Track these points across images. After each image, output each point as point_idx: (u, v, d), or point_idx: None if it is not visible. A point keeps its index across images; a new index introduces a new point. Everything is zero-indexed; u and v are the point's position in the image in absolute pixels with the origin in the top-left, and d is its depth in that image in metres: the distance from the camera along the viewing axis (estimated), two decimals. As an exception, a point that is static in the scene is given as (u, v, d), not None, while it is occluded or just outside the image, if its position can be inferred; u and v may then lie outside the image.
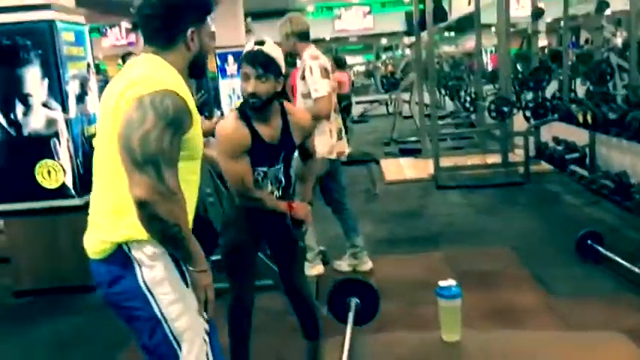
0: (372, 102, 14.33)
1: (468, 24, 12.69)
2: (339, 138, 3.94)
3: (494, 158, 7.58)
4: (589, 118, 5.33)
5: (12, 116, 3.99)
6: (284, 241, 2.67)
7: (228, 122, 2.43)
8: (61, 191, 4.07)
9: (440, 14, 7.29)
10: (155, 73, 1.57)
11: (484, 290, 3.65)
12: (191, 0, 1.63)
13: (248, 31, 13.94)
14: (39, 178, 4.05)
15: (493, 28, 16.11)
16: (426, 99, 9.02)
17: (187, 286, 1.64)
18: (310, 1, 18.57)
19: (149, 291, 1.60)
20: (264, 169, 2.47)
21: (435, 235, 4.93)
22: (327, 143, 3.78)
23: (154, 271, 1.60)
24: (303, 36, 3.89)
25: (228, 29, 12.78)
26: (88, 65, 4.36)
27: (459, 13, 11.62)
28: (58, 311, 3.94)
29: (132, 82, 1.55)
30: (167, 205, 1.48)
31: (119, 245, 1.60)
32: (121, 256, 1.60)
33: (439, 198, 6.26)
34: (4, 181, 4.12)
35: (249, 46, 2.40)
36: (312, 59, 3.74)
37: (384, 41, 20.78)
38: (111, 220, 1.61)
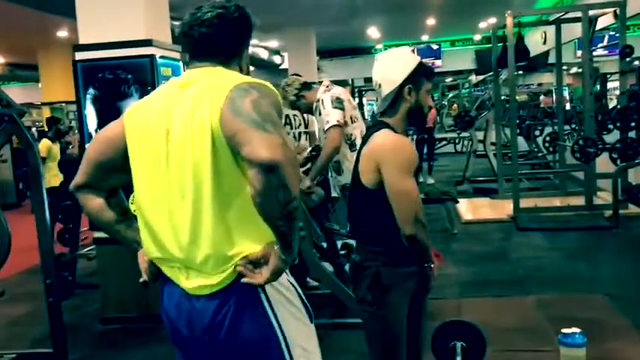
0: (441, 140, 14.15)
1: (539, 63, 12.52)
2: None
3: (577, 200, 7.29)
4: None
5: (110, 147, 4.12)
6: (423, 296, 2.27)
7: (400, 137, 2.13)
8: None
9: (522, 52, 7.16)
10: (237, 74, 1.54)
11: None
12: (250, 21, 1.63)
13: (319, 68, 14.21)
14: (132, 207, 4.14)
15: (565, 67, 15.80)
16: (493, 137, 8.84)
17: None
18: (379, 39, 18.74)
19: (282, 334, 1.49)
20: None
21: (524, 279, 4.74)
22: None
23: (288, 306, 1.52)
24: (305, 87, 4.04)
25: (300, 65, 13.04)
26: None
27: (532, 52, 11.45)
28: (145, 340, 3.98)
29: (220, 85, 1.43)
30: (293, 170, 1.30)
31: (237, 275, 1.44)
32: (241, 289, 1.44)
33: (521, 240, 6.04)
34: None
35: (415, 56, 2.24)
36: (323, 93, 3.87)
37: (449, 79, 20.66)
38: (228, 238, 1.43)
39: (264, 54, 17.65)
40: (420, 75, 2.15)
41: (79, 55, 4.16)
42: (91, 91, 4.11)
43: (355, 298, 2.20)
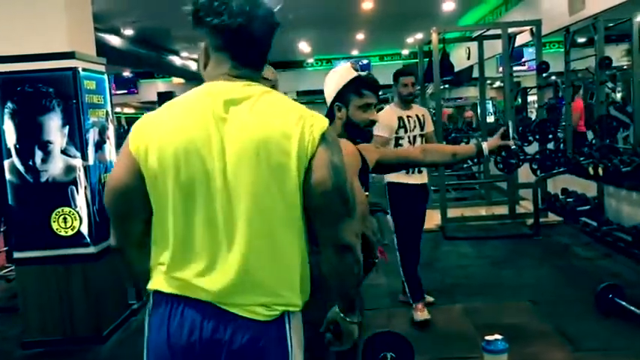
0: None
1: (464, 77, 12.99)
2: None
3: (501, 209, 7.58)
4: (600, 170, 5.37)
5: (30, 163, 3.96)
6: None
7: (346, 143, 2.14)
8: (76, 239, 4.00)
9: (447, 67, 7.41)
10: (301, 105, 1.44)
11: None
12: None
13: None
14: (54, 226, 3.99)
15: (489, 81, 16.45)
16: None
17: None
18: (310, 53, 18.91)
19: None
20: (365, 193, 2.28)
21: (452, 288, 4.87)
22: None
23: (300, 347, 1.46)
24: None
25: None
26: (107, 113, 4.38)
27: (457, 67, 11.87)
28: (69, 363, 3.82)
29: (300, 122, 1.36)
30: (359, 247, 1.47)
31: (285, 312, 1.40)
32: (283, 325, 1.41)
33: (449, 249, 6.22)
34: (19, 228, 4.07)
35: (350, 72, 2.23)
36: None
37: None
38: (288, 279, 1.40)
39: (194, 66, 17.46)
40: (349, 92, 2.19)
41: (-4, 68, 3.98)
42: (9, 105, 3.94)
43: None
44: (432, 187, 8.45)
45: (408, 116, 4.20)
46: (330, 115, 2.24)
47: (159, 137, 1.37)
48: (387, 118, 4.11)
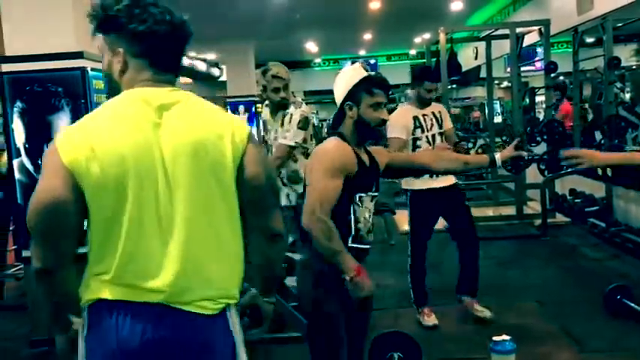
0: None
1: (471, 77, 12.96)
2: None
3: (508, 210, 7.56)
4: (609, 171, 5.34)
5: (39, 162, 3.97)
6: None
7: (336, 143, 2.23)
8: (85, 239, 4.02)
9: (454, 67, 7.39)
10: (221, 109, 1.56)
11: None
12: None
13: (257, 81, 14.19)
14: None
15: (496, 81, 16.39)
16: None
17: None
18: (318, 53, 18.92)
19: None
20: (363, 194, 2.25)
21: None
22: None
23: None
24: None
25: (239, 79, 13.00)
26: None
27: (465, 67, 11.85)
28: (77, 362, 3.84)
29: (230, 124, 1.49)
30: None
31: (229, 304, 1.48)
32: (227, 317, 1.49)
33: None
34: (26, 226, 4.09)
35: (360, 71, 2.25)
36: (294, 108, 3.94)
37: (387, 93, 21.20)
38: (231, 272, 1.49)
39: (202, 66, 17.50)
40: (360, 91, 2.22)
41: (6, 67, 4.01)
42: (18, 104, 3.96)
43: (300, 295, 2.31)
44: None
45: (424, 115, 3.99)
46: (340, 114, 2.26)
47: (99, 146, 1.37)
48: (401, 118, 3.96)
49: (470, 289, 4.18)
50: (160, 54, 1.46)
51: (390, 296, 4.66)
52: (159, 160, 1.40)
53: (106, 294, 1.40)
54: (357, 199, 2.20)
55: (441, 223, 6.98)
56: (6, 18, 4.10)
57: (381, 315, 4.05)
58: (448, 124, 4.14)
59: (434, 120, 4.01)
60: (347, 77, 2.25)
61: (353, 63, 2.47)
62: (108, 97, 1.51)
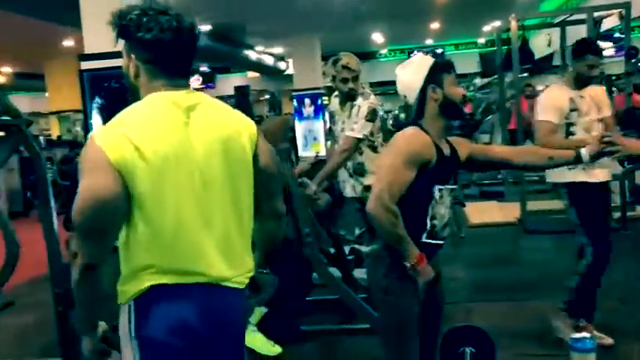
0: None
1: (544, 65, 12.49)
2: None
3: (585, 203, 7.24)
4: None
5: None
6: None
7: (414, 132, 2.17)
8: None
9: (526, 55, 7.15)
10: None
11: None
12: None
13: (323, 73, 14.22)
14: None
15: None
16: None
17: None
18: (384, 44, 18.76)
19: None
20: (441, 186, 2.18)
21: (533, 283, 4.71)
22: None
23: None
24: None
25: (305, 72, 13.07)
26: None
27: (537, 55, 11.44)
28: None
29: (244, 121, 1.66)
30: None
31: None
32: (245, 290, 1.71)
33: (529, 243, 6.02)
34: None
35: (428, 57, 2.24)
36: (362, 99, 3.89)
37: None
38: (249, 251, 1.68)
39: (269, 60, 17.72)
40: (439, 72, 2.19)
41: (85, 65, 4.18)
42: (97, 100, 4.14)
43: (370, 285, 2.27)
44: (511, 179, 8.26)
45: (581, 96, 3.40)
46: (420, 103, 2.20)
47: (142, 145, 1.46)
48: (555, 98, 3.42)
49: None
50: (167, 60, 1.56)
51: (461, 289, 4.58)
52: (193, 156, 1.52)
53: (157, 281, 1.50)
54: (437, 192, 2.14)
55: (512, 216, 6.82)
56: (85, 18, 4.27)
57: (452, 309, 3.97)
58: (608, 110, 3.51)
59: (592, 104, 3.41)
60: (419, 64, 2.21)
61: (423, 53, 2.42)
62: (130, 97, 1.64)
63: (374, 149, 3.93)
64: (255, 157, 1.64)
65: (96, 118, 4.15)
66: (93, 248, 1.50)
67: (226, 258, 1.58)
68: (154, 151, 1.46)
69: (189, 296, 1.52)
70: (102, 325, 1.65)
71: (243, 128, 1.62)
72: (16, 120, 3.52)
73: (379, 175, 2.14)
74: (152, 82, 1.57)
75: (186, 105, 1.54)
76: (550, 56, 11.47)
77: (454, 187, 2.22)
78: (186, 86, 1.60)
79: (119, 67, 4.38)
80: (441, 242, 2.21)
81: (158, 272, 1.50)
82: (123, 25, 1.54)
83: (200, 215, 1.53)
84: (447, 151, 2.20)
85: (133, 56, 1.58)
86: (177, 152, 1.50)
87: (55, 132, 18.00)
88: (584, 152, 2.24)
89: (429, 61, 2.21)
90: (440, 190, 2.15)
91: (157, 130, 1.49)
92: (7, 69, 18.33)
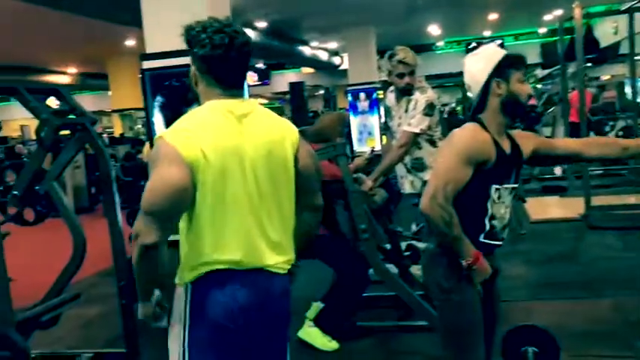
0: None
1: (609, 54, 11.99)
2: None
3: (655, 198, 6.94)
4: None
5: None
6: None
7: (473, 129, 2.12)
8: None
9: (591, 44, 6.88)
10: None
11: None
12: None
13: (379, 68, 14.11)
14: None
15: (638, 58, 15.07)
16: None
17: None
18: (440, 36, 18.47)
19: None
20: (499, 186, 2.12)
21: (597, 281, 4.54)
22: None
23: None
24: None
25: (360, 66, 13.00)
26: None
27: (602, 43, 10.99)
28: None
29: (288, 128, 1.89)
30: None
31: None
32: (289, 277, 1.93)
33: (593, 240, 5.80)
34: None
35: (499, 49, 2.17)
36: (420, 94, 3.84)
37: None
38: (290, 242, 1.90)
39: (324, 55, 17.74)
40: (507, 66, 2.11)
41: (146, 64, 4.28)
42: (158, 98, 4.24)
43: (428, 285, 2.23)
44: (574, 174, 7.98)
45: None
46: (483, 96, 2.12)
47: (206, 147, 1.70)
48: None
49: None
50: (220, 73, 1.77)
51: (521, 287, 4.46)
52: (245, 158, 1.76)
53: (213, 267, 1.74)
54: (494, 191, 2.08)
55: (575, 211, 6.59)
56: (147, 18, 4.37)
57: (511, 307, 3.89)
58: None
59: None
60: (489, 55, 2.13)
61: (478, 45, 2.34)
62: (191, 96, 1.86)
63: (433, 143, 3.88)
64: (296, 159, 1.87)
65: (157, 117, 4.25)
66: (160, 229, 1.66)
67: (272, 247, 1.81)
68: (214, 153, 1.69)
69: (240, 282, 1.76)
70: (156, 293, 1.81)
71: (287, 134, 1.85)
72: (82, 118, 3.65)
73: (434, 174, 2.10)
74: (209, 90, 1.79)
75: (240, 113, 1.77)
76: (616, 44, 11.02)
77: (515, 185, 2.14)
78: (240, 95, 1.81)
79: (179, 66, 4.49)
80: (500, 243, 2.15)
81: (214, 260, 1.73)
82: (187, 40, 1.78)
83: (252, 210, 1.76)
84: (507, 148, 2.13)
85: (193, 67, 1.81)
86: (232, 153, 1.72)
87: (117, 130, 18.61)
88: None
89: (499, 53, 2.13)
90: (497, 189, 2.08)
91: (216, 134, 1.72)
92: (73, 69, 19.05)
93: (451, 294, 2.09)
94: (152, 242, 1.66)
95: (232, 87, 1.79)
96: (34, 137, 4.45)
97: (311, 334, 3.67)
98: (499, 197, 2.08)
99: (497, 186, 2.08)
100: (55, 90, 3.83)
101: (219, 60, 1.73)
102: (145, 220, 1.67)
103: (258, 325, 1.80)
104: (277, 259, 1.83)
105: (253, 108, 1.82)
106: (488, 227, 2.08)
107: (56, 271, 3.62)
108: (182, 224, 1.77)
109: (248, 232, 1.76)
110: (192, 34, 1.76)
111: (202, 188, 1.70)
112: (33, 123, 3.54)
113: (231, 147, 1.73)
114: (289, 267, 1.89)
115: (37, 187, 3.59)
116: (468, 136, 2.07)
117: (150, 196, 1.68)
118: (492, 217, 2.09)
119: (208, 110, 1.77)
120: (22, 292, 3.65)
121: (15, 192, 3.60)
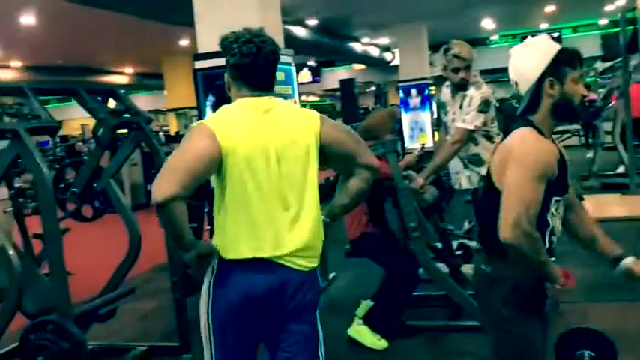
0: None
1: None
2: None
3: None
4: None
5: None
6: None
7: (536, 138, 1.88)
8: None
9: (654, 36, 6.60)
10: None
11: None
12: None
13: (430, 63, 13.94)
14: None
15: None
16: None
17: None
18: (494, 30, 18.08)
19: None
20: (559, 197, 1.92)
21: (660, 283, 4.35)
22: None
23: None
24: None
25: (411, 62, 12.88)
26: (295, 102, 4.58)
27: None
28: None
29: (310, 115, 2.01)
30: None
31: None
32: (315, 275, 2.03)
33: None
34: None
35: (553, 44, 1.92)
36: (475, 90, 3.77)
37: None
38: (318, 235, 1.99)
39: (375, 52, 17.65)
40: (562, 64, 1.88)
41: (199, 64, 4.36)
42: (210, 97, 4.31)
43: (484, 313, 2.07)
44: (637, 170, 7.66)
45: None
46: (535, 96, 1.91)
47: (238, 137, 1.87)
48: None
49: None
50: (247, 79, 1.95)
51: (577, 289, 4.28)
52: (269, 148, 1.89)
53: (237, 250, 1.88)
54: (553, 204, 1.89)
55: (637, 210, 6.33)
56: (199, 18, 4.45)
57: (566, 309, 3.75)
58: None
59: None
60: (541, 50, 1.91)
61: (548, 36, 2.12)
62: (228, 100, 2.02)
63: (490, 139, 3.79)
64: (322, 137, 1.96)
65: (209, 115, 4.33)
66: (182, 186, 1.76)
67: (293, 233, 1.90)
68: (243, 144, 1.87)
69: (259, 268, 1.88)
70: (201, 243, 2.00)
71: (308, 124, 1.97)
72: (137, 118, 3.76)
73: (508, 197, 1.81)
74: (238, 93, 1.98)
75: (264, 108, 1.94)
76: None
77: (567, 195, 1.97)
78: (267, 94, 1.97)
79: (224, 66, 4.53)
80: (554, 259, 1.97)
81: (241, 245, 1.88)
82: (222, 48, 1.97)
83: (277, 198, 1.89)
84: (564, 154, 1.93)
85: (225, 74, 2.01)
86: (258, 144, 1.88)
87: (172, 128, 19.05)
88: None
89: (553, 48, 1.90)
90: (557, 201, 1.90)
91: (243, 127, 1.90)
92: (130, 69, 19.61)
93: (513, 325, 1.92)
94: (174, 195, 1.74)
95: (259, 89, 1.96)
96: (92, 136, 4.61)
97: (360, 332, 3.66)
98: (557, 209, 1.92)
99: (558, 197, 1.91)
100: (112, 91, 3.96)
101: (248, 68, 1.92)
102: (173, 175, 1.77)
103: (276, 309, 1.92)
104: (297, 245, 1.91)
105: (276, 104, 1.97)
106: (548, 244, 1.91)
107: (113, 266, 3.74)
108: (216, 201, 1.94)
109: (274, 222, 1.88)
110: (225, 44, 1.94)
111: (229, 174, 1.86)
112: (92, 122, 3.65)
113: (258, 139, 1.89)
114: (312, 253, 1.96)
115: (95, 185, 3.73)
116: (533, 149, 1.84)
117: (178, 153, 1.84)
118: (552, 233, 1.92)
119: (236, 106, 1.96)
120: (80, 286, 3.79)
121: (74, 189, 3.75)
